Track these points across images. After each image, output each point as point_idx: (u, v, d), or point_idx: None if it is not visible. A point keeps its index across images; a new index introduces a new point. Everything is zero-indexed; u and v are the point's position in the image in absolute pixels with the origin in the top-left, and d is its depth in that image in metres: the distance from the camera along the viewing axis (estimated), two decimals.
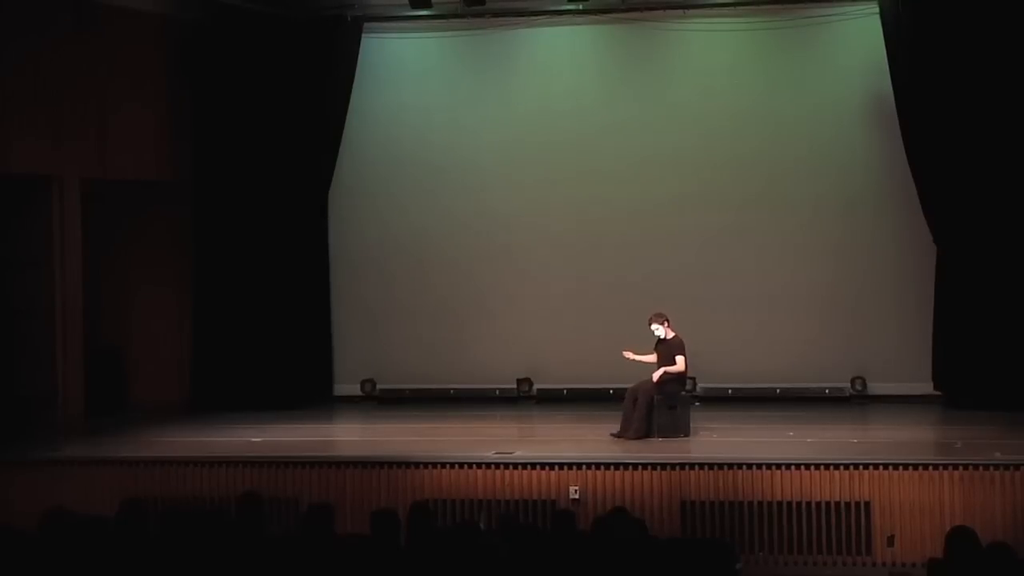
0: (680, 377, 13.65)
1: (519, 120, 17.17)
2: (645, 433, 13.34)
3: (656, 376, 13.44)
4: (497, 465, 12.18)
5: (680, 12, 16.67)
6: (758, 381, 16.50)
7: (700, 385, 16.43)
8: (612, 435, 13.39)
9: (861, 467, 11.68)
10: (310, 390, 16.90)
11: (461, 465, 12.22)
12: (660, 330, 13.65)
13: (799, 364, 16.49)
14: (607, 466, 11.98)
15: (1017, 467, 11.49)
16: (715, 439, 13.53)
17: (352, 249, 17.40)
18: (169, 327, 16.81)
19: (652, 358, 13.75)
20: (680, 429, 13.45)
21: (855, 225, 16.50)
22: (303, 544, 7.81)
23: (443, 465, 12.24)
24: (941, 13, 15.32)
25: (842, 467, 11.70)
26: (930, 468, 11.60)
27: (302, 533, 8.01)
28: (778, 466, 11.78)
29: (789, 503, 11.69)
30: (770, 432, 14.01)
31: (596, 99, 17.07)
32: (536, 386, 16.97)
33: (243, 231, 16.53)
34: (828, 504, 11.65)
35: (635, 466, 11.95)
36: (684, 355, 13.58)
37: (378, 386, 17.25)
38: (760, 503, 11.72)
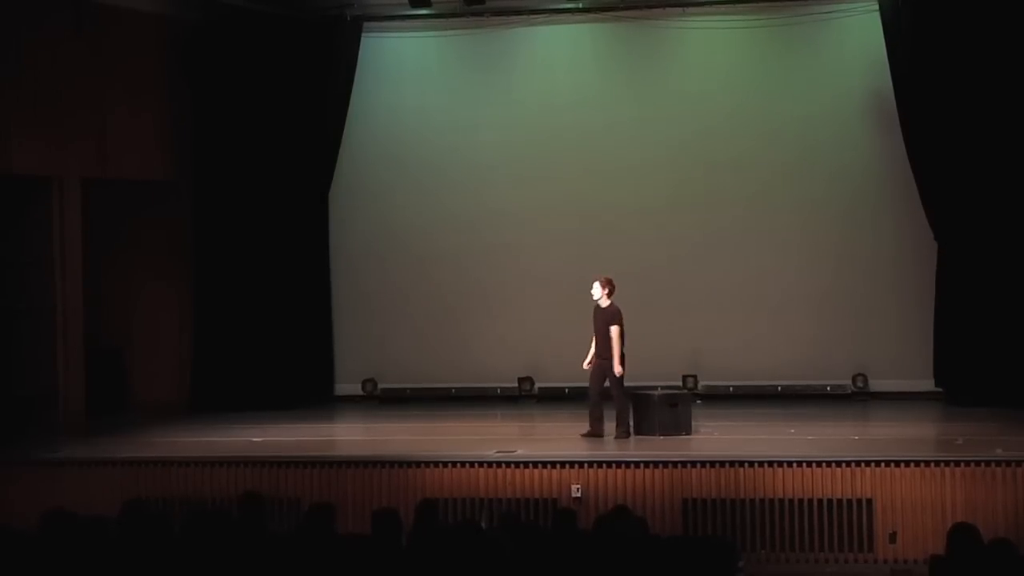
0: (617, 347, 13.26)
1: (519, 119, 17.18)
2: (601, 428, 13.25)
3: (617, 371, 13.20)
4: (499, 464, 12.17)
5: (680, 10, 16.69)
6: (760, 378, 16.50)
7: (702, 383, 16.46)
8: (612, 438, 13.30)
9: (863, 464, 11.67)
10: (311, 390, 16.90)
11: (463, 464, 12.21)
12: (596, 291, 13.35)
13: (800, 361, 16.50)
14: (608, 464, 11.97)
15: (1019, 463, 11.48)
16: (717, 437, 13.52)
17: (353, 248, 17.40)
18: (170, 327, 16.80)
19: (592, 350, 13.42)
20: (681, 427, 13.43)
21: (856, 222, 16.50)
22: (304, 544, 7.80)
23: (445, 464, 12.23)
24: (940, 10, 15.33)
25: (844, 464, 11.69)
26: (932, 465, 11.60)
27: (303, 533, 8.00)
28: (780, 463, 11.77)
29: (791, 500, 11.68)
30: (772, 429, 14.00)
31: (596, 98, 17.07)
32: (537, 385, 16.97)
33: (243, 231, 16.52)
34: (830, 501, 11.64)
35: (636, 464, 11.94)
36: (619, 324, 13.26)
37: (379, 385, 17.25)
38: (762, 500, 11.71)
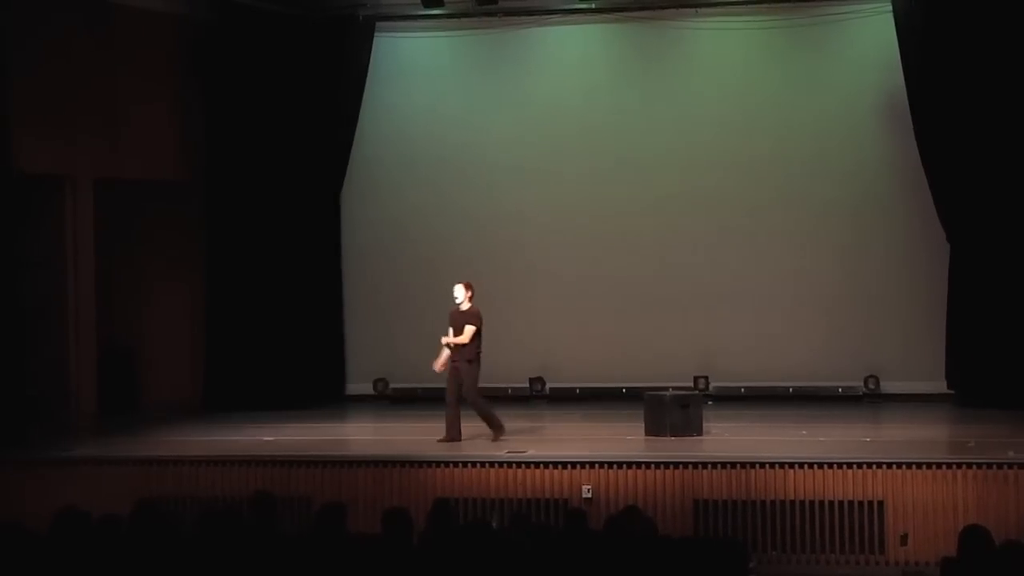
0: (469, 348, 13.21)
1: (531, 119, 17.18)
2: (458, 432, 13.24)
3: (441, 362, 13.21)
4: (509, 464, 12.18)
5: (692, 11, 16.67)
6: (771, 380, 16.47)
7: (713, 384, 16.44)
8: (439, 440, 13.20)
9: (874, 466, 11.64)
10: (322, 389, 16.92)
11: (474, 464, 12.22)
12: (459, 294, 13.35)
13: (812, 363, 16.48)
14: (619, 465, 11.96)
15: None
16: (728, 438, 13.50)
17: (364, 248, 17.42)
18: (182, 327, 16.83)
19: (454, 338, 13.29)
20: (692, 428, 13.42)
21: (868, 223, 16.48)
22: (315, 543, 7.81)
23: (455, 464, 12.25)
24: (954, 11, 15.30)
25: (855, 466, 11.67)
26: (943, 467, 11.57)
27: (314, 532, 8.01)
28: (791, 465, 11.75)
29: (802, 502, 11.66)
30: (783, 431, 13.98)
31: (608, 98, 17.07)
32: (549, 385, 16.97)
33: (255, 231, 16.55)
34: (841, 503, 11.62)
35: (647, 465, 11.93)
36: (476, 326, 13.23)
37: (390, 385, 17.26)
38: (773, 502, 11.69)
